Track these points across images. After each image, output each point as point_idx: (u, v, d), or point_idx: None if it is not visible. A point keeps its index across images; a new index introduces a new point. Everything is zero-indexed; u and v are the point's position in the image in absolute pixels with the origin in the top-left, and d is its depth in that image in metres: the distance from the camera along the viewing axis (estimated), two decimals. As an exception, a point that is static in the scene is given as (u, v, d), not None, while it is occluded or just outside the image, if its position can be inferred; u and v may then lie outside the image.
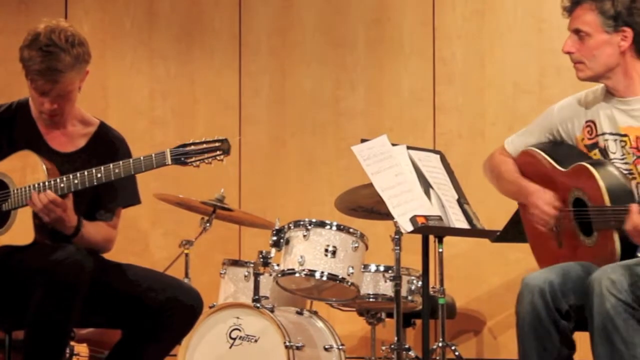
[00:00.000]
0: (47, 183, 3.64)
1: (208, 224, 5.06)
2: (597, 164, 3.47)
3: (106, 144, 3.86)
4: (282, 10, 6.21)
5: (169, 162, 3.59)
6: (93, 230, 3.76)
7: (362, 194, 4.59)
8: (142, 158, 3.62)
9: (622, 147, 3.49)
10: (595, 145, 3.56)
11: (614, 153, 3.50)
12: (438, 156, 4.27)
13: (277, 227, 4.60)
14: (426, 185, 4.05)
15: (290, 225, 4.58)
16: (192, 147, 3.60)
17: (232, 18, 6.28)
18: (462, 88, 5.86)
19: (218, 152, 3.60)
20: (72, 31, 3.72)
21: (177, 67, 6.35)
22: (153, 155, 3.61)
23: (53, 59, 3.64)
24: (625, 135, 3.49)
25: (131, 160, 3.64)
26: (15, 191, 3.70)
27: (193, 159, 3.59)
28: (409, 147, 4.15)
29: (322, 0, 6.14)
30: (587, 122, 3.59)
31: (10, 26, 6.44)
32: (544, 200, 3.59)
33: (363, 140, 4.13)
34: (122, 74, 6.38)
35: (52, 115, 3.76)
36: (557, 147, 3.68)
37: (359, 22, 6.07)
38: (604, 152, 3.53)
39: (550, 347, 3.37)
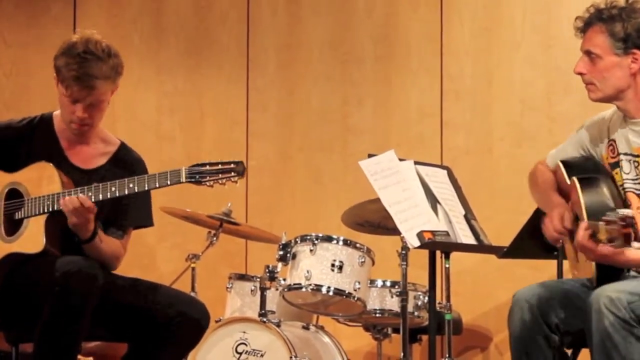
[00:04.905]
0: (62, 194, 3.65)
1: (215, 238, 5.06)
2: (588, 179, 3.48)
3: (125, 165, 3.88)
4: (289, 26, 6.22)
5: (184, 180, 3.61)
6: (105, 239, 3.78)
7: (369, 209, 4.59)
8: (157, 175, 3.63)
9: (636, 167, 3.49)
10: (617, 164, 3.56)
11: (628, 173, 3.50)
12: (445, 172, 4.27)
13: (283, 242, 4.60)
14: (433, 201, 4.05)
15: (297, 239, 4.58)
16: (208, 168, 3.60)
17: (240, 34, 6.29)
18: (470, 104, 5.86)
19: (232, 174, 3.61)
20: (107, 43, 3.75)
21: (185, 82, 6.37)
22: (168, 172, 3.62)
23: (90, 66, 3.66)
24: (638, 156, 3.49)
25: (146, 176, 3.66)
26: (29, 200, 3.71)
27: (207, 179, 3.60)
28: (416, 163, 4.15)
29: (330, 17, 6.15)
30: (609, 141, 3.60)
31: (19, 40, 6.45)
32: (558, 216, 3.59)
33: (370, 156, 4.13)
34: (130, 89, 6.38)
35: (81, 125, 3.75)
36: (584, 161, 3.68)
37: (366, 38, 6.07)
38: (622, 172, 3.54)
39: None
